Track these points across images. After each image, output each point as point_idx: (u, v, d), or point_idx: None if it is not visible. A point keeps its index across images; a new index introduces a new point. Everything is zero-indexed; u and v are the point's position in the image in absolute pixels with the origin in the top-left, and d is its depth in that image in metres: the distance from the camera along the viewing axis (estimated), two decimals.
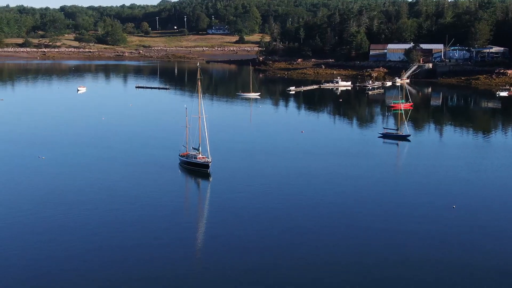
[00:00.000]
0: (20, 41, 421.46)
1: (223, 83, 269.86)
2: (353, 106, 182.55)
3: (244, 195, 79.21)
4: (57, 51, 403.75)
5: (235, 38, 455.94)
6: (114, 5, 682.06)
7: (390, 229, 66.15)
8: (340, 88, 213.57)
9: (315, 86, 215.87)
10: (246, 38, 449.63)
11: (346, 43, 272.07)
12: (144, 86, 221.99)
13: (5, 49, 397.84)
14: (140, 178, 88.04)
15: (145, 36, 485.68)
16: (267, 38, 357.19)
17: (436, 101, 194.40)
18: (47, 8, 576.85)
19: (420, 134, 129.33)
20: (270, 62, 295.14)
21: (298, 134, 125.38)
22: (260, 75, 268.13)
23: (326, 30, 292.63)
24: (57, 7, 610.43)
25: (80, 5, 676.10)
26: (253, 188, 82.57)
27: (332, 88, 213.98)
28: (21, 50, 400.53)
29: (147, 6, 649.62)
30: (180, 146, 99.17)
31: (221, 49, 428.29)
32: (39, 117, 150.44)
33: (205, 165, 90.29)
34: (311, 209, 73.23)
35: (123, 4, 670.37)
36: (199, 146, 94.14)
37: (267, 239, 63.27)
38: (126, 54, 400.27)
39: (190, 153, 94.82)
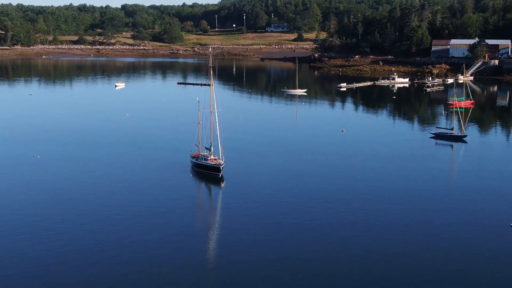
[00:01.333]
0: (75, 38, 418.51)
1: (277, 80, 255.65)
2: (407, 104, 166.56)
3: (260, 205, 66.50)
4: (111, 49, 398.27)
5: (293, 36, 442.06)
6: (176, 4, 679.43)
7: (442, 247, 53.78)
8: (397, 85, 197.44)
9: (369, 83, 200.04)
10: (305, 35, 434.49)
11: (407, 38, 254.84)
12: (186, 82, 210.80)
13: (60, 46, 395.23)
14: (146, 183, 76.22)
15: (203, 35, 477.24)
16: (324, 35, 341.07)
17: (502, 101, 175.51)
18: (107, 7, 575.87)
19: (479, 135, 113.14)
20: (326, 59, 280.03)
21: (338, 133, 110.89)
22: (315, 73, 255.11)
23: (385, 25, 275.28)
24: (119, 5, 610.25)
25: (141, 4, 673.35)
26: (272, 196, 69.76)
27: (388, 85, 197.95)
28: (76, 47, 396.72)
29: (208, 4, 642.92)
30: (193, 145, 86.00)
31: (279, 47, 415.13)
32: (62, 111, 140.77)
33: (216, 168, 77.10)
34: (341, 222, 59.81)
35: (184, 3, 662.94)
36: (211, 146, 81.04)
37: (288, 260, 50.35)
38: (181, 52, 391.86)
39: (202, 153, 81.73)
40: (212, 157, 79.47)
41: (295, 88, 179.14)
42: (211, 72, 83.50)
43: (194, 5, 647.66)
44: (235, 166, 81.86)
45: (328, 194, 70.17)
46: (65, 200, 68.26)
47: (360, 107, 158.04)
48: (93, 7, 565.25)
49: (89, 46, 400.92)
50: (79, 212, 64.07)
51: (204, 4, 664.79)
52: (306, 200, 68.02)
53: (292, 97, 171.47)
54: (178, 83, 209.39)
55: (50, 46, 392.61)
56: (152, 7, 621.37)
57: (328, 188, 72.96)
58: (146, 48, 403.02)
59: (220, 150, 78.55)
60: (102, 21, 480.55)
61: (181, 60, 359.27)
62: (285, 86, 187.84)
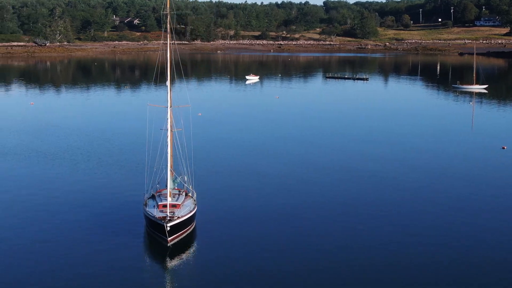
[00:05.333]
0: (257, 33, 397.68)
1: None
2: None
3: None
4: (294, 44, 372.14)
5: (505, 30, 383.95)
6: (380, 0, 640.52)
7: None
8: None
9: None
10: None
11: None
12: (335, 75, 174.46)
13: (240, 41, 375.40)
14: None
15: (403, 30, 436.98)
16: None
17: None
18: (306, 3, 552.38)
19: None
20: None
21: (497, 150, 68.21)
22: None
23: None
24: (320, 2, 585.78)
25: (345, 0, 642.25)
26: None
27: None
28: (257, 42, 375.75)
29: None
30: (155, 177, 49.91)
31: (486, 41, 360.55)
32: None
33: (160, 227, 42.56)
34: None
35: None
36: (175, 178, 48.09)
37: None
38: (369, 47, 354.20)
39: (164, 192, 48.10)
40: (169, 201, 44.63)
41: (471, 84, 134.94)
42: (167, 71, 46.06)
43: (400, 0, 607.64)
44: None
45: None
46: None
47: None
48: (290, 3, 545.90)
49: (271, 42, 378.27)
50: None
51: None
52: None
53: (465, 94, 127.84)
54: (326, 77, 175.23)
55: (231, 41, 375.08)
56: (357, 3, 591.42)
57: None
58: (332, 43, 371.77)
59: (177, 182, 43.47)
60: (296, 17, 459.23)
61: (367, 54, 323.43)
62: (458, 81, 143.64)
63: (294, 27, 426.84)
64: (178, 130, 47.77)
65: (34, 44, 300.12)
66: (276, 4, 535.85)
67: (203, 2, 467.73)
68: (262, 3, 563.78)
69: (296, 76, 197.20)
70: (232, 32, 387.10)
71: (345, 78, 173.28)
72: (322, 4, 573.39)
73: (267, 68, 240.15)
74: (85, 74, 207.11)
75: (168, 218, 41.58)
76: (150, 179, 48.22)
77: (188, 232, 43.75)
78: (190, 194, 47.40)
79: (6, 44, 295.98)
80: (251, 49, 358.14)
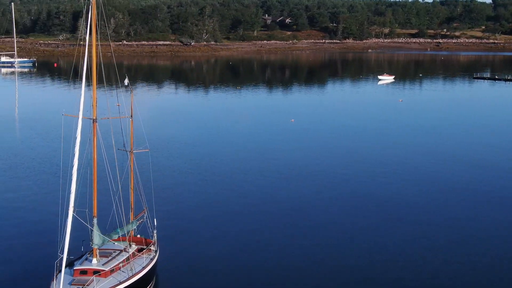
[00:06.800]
0: (413, 31, 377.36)
1: None
2: None
3: None
4: (454, 42, 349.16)
5: None
6: None
7: None
8: None
9: None
10: None
11: None
12: (483, 76, 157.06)
13: (395, 39, 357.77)
14: None
15: None
16: None
17: None
18: (473, 0, 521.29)
19: None
20: None
21: None
22: None
23: None
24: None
25: None
26: None
27: None
28: (413, 41, 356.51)
29: None
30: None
31: None
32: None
33: None
34: None
35: None
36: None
37: None
38: None
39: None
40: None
41: None
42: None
43: None
44: None
45: None
46: None
47: None
48: (456, 0, 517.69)
49: (429, 40, 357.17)
50: None
51: None
52: None
53: None
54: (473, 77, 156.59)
55: (385, 40, 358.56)
56: None
57: None
58: (496, 41, 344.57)
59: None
60: (460, 14, 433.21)
61: None
62: None
63: (456, 24, 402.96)
64: (139, 151, 36.86)
65: (179, 43, 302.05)
66: (440, 1, 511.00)
67: (361, 0, 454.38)
68: (424, 0, 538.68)
69: (441, 76, 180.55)
70: (386, 30, 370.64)
71: (495, 79, 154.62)
72: (491, 1, 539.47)
73: (422, 68, 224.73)
74: (234, 74, 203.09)
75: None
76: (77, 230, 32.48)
77: None
78: (151, 248, 34.84)
79: (152, 43, 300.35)
80: (406, 47, 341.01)
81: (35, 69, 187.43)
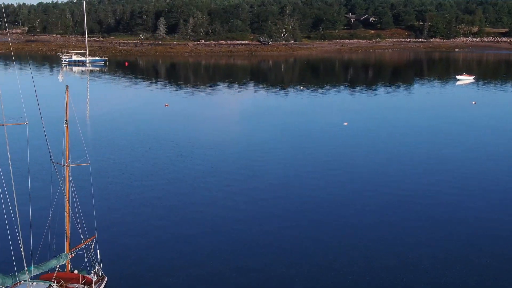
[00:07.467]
0: (503, 30, 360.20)
1: None
2: None
3: None
4: None
5: None
6: None
7: None
8: None
9: None
10: None
11: None
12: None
13: (485, 38, 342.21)
14: None
15: None
16: None
17: None
18: None
19: None
20: None
21: None
22: None
23: None
24: None
25: None
26: None
27: None
28: (503, 40, 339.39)
29: None
30: None
31: None
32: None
33: None
34: None
35: None
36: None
37: None
38: None
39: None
40: None
41: None
42: None
43: None
44: None
45: None
46: None
47: None
48: None
49: None
50: None
51: None
52: None
53: None
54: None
55: (474, 39, 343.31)
56: None
57: None
58: None
59: None
60: None
61: None
62: None
63: None
64: (76, 165, 31.31)
65: (257, 43, 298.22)
66: None
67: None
68: None
69: None
70: (475, 29, 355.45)
71: None
72: None
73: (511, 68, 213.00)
74: (314, 73, 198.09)
75: None
76: None
77: None
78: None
79: (230, 42, 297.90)
80: (495, 47, 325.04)
81: (106, 68, 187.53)
